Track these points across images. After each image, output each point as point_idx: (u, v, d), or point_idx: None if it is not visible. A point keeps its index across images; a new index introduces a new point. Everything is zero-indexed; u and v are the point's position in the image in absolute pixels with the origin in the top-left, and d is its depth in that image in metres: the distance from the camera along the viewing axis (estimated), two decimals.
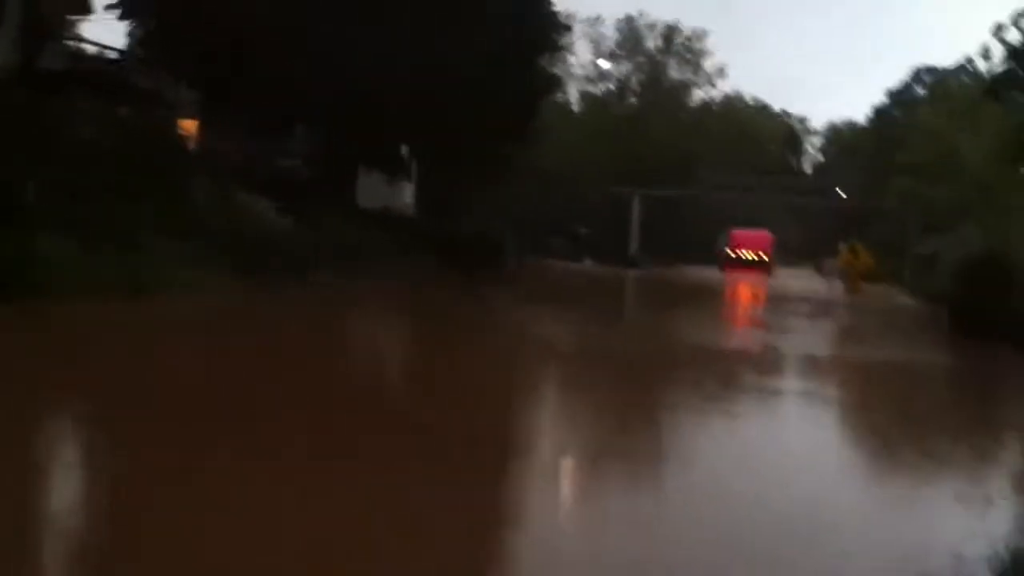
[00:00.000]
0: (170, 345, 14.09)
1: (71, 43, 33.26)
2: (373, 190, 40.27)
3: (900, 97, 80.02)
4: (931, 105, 62.67)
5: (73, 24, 37.68)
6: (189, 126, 34.70)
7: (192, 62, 28.76)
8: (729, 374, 16.04)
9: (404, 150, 38.59)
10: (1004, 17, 7.58)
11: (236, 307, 18.92)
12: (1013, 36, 7.34)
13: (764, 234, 70.49)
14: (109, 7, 29.92)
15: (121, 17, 30.18)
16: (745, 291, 44.43)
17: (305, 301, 21.57)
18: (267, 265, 22.02)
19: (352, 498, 6.78)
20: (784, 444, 10.62)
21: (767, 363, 18.57)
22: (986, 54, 8.26)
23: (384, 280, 28.08)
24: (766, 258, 67.45)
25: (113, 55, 33.24)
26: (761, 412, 12.74)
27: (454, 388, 12.17)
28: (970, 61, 12.83)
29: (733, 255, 67.66)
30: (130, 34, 34.30)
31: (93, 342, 13.04)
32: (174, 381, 10.98)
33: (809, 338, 24.11)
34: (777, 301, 38.19)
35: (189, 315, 17.26)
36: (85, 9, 34.24)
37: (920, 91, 77.00)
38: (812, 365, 18.87)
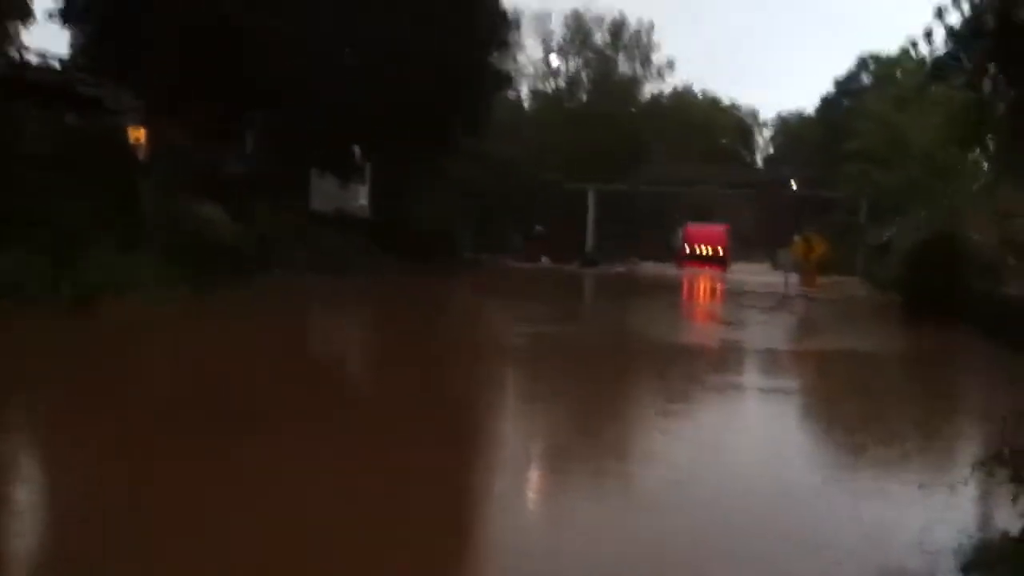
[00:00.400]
0: (111, 352, 13.88)
1: (13, 51, 32.60)
2: (327, 192, 40.04)
3: (847, 85, 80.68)
4: (876, 91, 63.24)
5: (14, 32, 36.98)
6: (137, 133, 34.23)
7: (137, 68, 28.32)
8: (689, 372, 16.06)
9: (356, 152, 38.38)
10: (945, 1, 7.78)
11: (181, 312, 18.78)
12: (954, 18, 7.53)
13: (719, 228, 69.26)
14: (51, 15, 29.43)
15: (63, 24, 29.68)
16: (701, 286, 44.59)
17: (249, 304, 21.44)
18: (216, 269, 21.87)
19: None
20: (747, 438, 10.63)
21: (725, 358, 18.62)
22: (928, 37, 8.47)
23: (336, 281, 27.96)
24: (722, 252, 65.83)
25: (56, 63, 32.67)
26: (721, 408, 12.75)
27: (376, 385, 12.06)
28: (914, 45, 13.06)
29: (688, 250, 65.83)
30: (73, 42, 33.79)
31: (28, 353, 12.81)
32: (119, 387, 10.79)
33: (767, 331, 24.21)
34: (733, 296, 38.37)
35: (134, 321, 17.03)
36: (26, 16, 33.60)
37: (866, 79, 77.69)
38: (772, 359, 18.93)
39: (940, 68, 6.78)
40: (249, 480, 7.44)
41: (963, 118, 7.48)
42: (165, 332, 16.64)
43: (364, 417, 10.46)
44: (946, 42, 6.81)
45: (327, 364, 14.58)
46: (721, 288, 42.87)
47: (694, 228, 68.02)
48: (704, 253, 65.04)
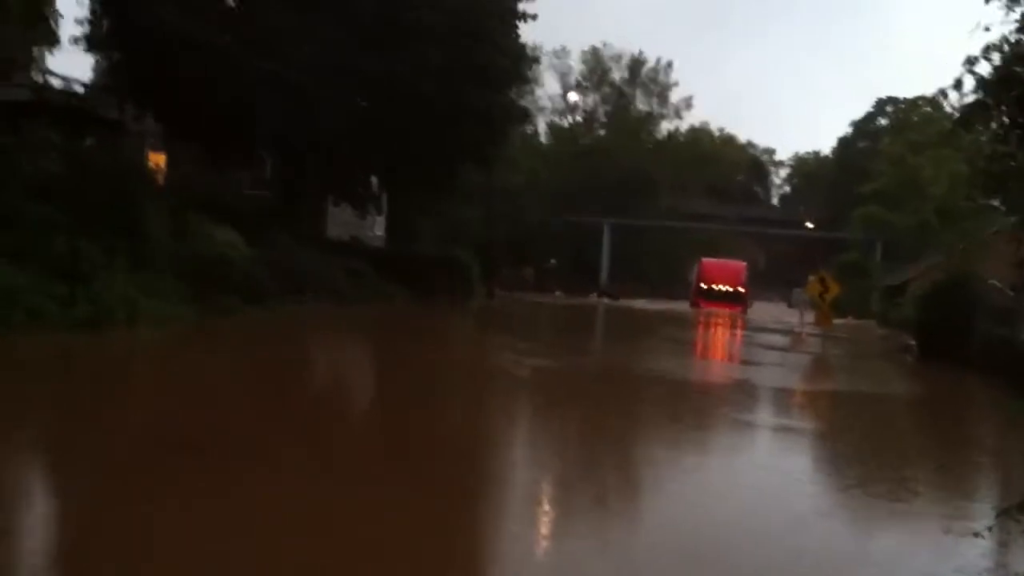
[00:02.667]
0: (122, 378, 13.88)
1: (37, 75, 32.98)
2: (343, 221, 40.24)
3: (864, 127, 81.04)
4: (893, 134, 63.44)
5: (39, 56, 37.39)
6: (157, 157, 34.52)
7: (158, 94, 28.58)
8: (709, 410, 15.97)
9: (374, 182, 38.57)
10: (972, 51, 7.83)
11: (190, 337, 18.83)
12: (984, 68, 7.56)
13: (738, 264, 63.63)
14: (75, 40, 29.73)
15: (87, 49, 29.99)
16: (718, 326, 43.80)
17: (262, 331, 21.44)
18: (229, 295, 21.98)
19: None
20: (760, 475, 10.52)
21: (740, 396, 18.50)
22: (958, 85, 8.47)
23: (348, 311, 27.98)
24: (742, 291, 60.04)
25: (79, 87, 33.02)
26: (737, 444, 12.65)
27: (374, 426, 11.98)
28: (943, 93, 13.07)
29: (705, 287, 60.20)
30: (96, 66, 34.16)
31: (39, 378, 12.79)
32: (128, 419, 10.77)
33: (781, 371, 24.07)
34: (748, 333, 38.24)
35: (147, 347, 17.09)
36: (51, 41, 33.97)
37: (883, 121, 78.00)
38: (784, 398, 18.82)
39: (969, 117, 6.75)
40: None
41: (989, 167, 7.45)
42: (171, 358, 16.65)
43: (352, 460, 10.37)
44: (976, 91, 6.81)
45: (329, 401, 14.39)
46: (736, 325, 42.59)
47: (710, 264, 62.75)
48: (721, 291, 59.45)
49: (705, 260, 62.87)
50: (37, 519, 7.01)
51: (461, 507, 8.07)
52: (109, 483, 7.84)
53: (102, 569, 5.78)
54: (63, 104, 29.50)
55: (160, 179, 31.72)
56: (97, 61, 34.24)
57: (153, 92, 28.78)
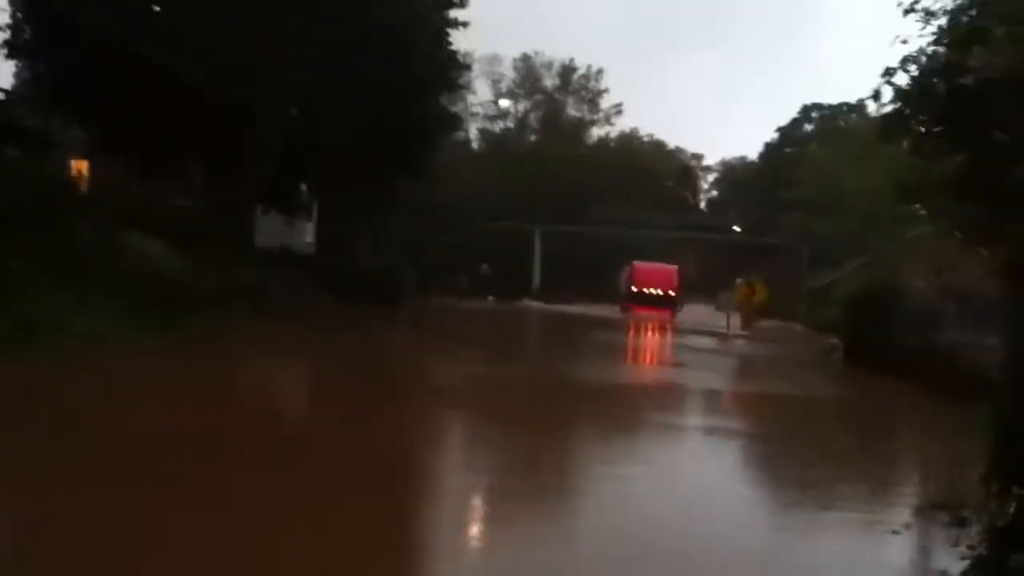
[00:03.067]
0: (52, 399, 13.62)
1: None
2: (272, 229, 39.82)
3: (790, 133, 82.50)
4: (819, 142, 64.70)
5: None
6: (81, 166, 33.88)
7: (82, 102, 28.07)
8: (634, 410, 16.17)
9: (303, 189, 38.29)
10: (892, 61, 8.03)
11: (125, 355, 18.41)
12: (901, 79, 7.74)
13: (669, 268, 63.04)
14: None
15: (8, 56, 29.36)
16: (648, 327, 44.55)
17: (196, 344, 21.10)
18: (160, 308, 21.47)
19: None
20: (684, 475, 10.72)
21: (670, 398, 18.78)
22: (876, 96, 8.69)
23: (279, 320, 27.71)
24: (672, 294, 59.83)
25: (0, 95, 32.31)
26: (663, 445, 12.86)
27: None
28: (861, 101, 13.38)
29: (635, 291, 59.67)
30: (17, 74, 33.45)
31: None
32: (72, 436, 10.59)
33: (710, 374, 24.44)
34: (676, 335, 38.72)
35: (74, 365, 16.74)
36: None
37: (808, 127, 79.50)
38: (713, 400, 19.14)
39: (888, 128, 6.97)
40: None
41: (907, 178, 7.71)
42: (104, 377, 16.35)
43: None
44: (894, 101, 7.05)
45: (258, 416, 14.27)
46: (666, 329, 43.05)
47: (642, 267, 61.99)
48: (652, 295, 58.92)
49: (637, 263, 62.16)
50: None
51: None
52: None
53: None
54: None
55: (84, 187, 31.15)
56: (18, 68, 33.51)
57: (79, 101, 28.26)
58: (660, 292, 58.91)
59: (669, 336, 38.67)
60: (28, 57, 29.83)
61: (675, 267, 63.57)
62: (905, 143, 7.62)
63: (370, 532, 7.48)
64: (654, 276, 60.69)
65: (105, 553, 6.37)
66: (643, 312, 55.34)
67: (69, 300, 18.40)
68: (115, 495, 7.76)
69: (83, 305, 18.63)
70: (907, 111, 7.30)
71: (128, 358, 17.99)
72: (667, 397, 18.97)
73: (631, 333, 40.23)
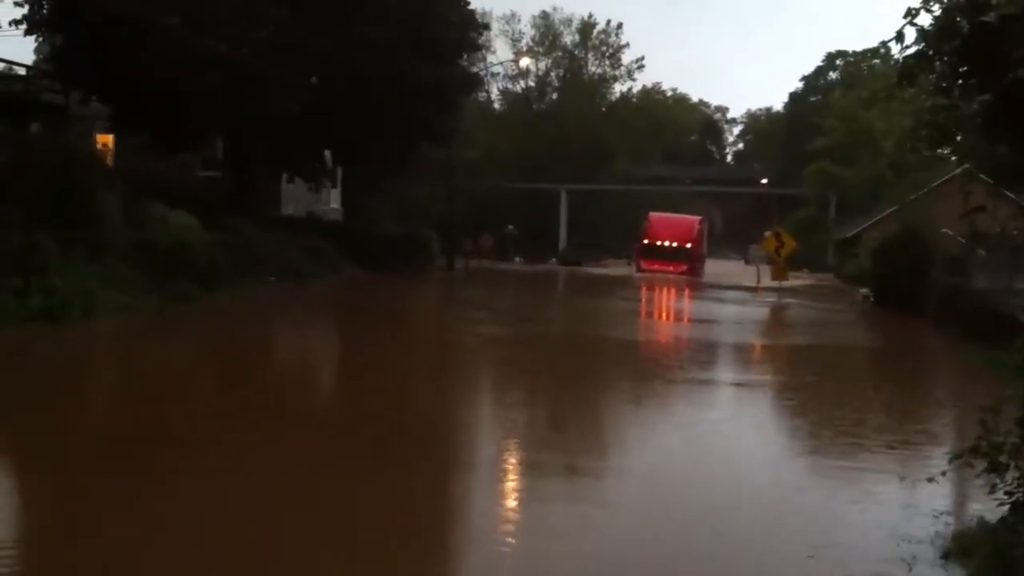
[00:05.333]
0: (84, 372, 13.80)
1: None
2: (298, 197, 39.92)
3: (814, 82, 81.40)
4: (844, 88, 63.78)
5: None
6: (106, 140, 33.98)
7: (102, 77, 28.07)
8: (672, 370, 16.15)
9: (327, 156, 38.27)
10: (915, 2, 7.83)
11: (153, 327, 18.62)
12: (925, 19, 7.62)
13: (689, 219, 55.39)
14: (14, 22, 29.06)
15: (27, 32, 29.34)
16: (670, 287, 41.51)
17: (223, 318, 21.27)
18: (185, 279, 21.67)
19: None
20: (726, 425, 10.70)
21: (702, 352, 18.72)
22: (900, 38, 8.52)
23: (308, 289, 27.86)
24: (690, 247, 51.67)
25: (21, 71, 32.37)
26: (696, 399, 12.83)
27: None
28: (884, 45, 13.11)
29: (648, 244, 51.59)
30: (38, 49, 33.46)
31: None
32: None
33: (742, 328, 24.37)
34: (704, 291, 38.54)
35: (106, 338, 16.93)
36: None
37: (833, 76, 78.39)
38: (746, 353, 19.09)
39: (910, 70, 6.85)
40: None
41: (932, 120, 7.60)
42: (132, 349, 16.54)
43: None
44: (917, 43, 6.91)
45: (293, 384, 14.38)
46: (690, 286, 42.30)
47: (657, 218, 54.25)
48: (667, 248, 50.72)
49: (652, 214, 55.04)
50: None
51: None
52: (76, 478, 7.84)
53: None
54: (5, 90, 28.96)
55: (109, 161, 31.26)
56: (39, 43, 33.55)
57: (98, 74, 28.25)
58: (676, 245, 50.91)
59: (695, 292, 38.40)
60: (47, 32, 29.82)
61: (698, 218, 56.45)
62: (928, 85, 7.49)
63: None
64: (670, 228, 52.91)
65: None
66: (656, 268, 48.79)
67: (97, 273, 18.57)
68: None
69: (110, 278, 18.83)
70: (930, 51, 7.15)
71: (155, 329, 18.20)
72: (702, 350, 18.91)
73: (656, 292, 39.90)
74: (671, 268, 48.34)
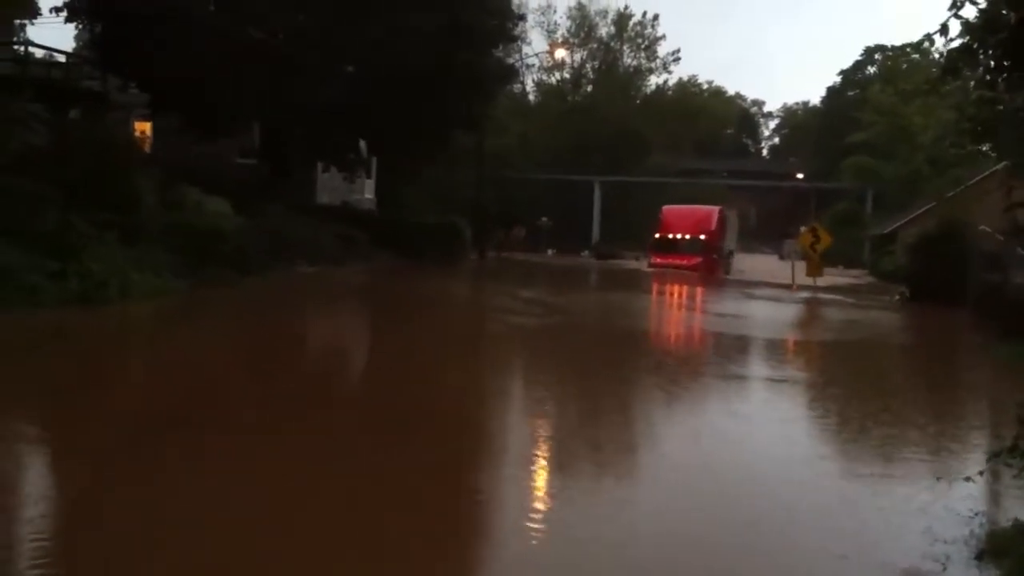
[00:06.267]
0: (121, 354, 13.92)
1: (18, 47, 32.69)
2: (333, 186, 40.12)
3: (852, 76, 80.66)
4: (882, 83, 63.11)
5: (19, 27, 37.07)
6: (142, 126, 34.31)
7: (141, 64, 28.32)
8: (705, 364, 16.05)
9: (362, 146, 38.43)
10: None
11: (186, 310, 18.83)
12: (970, 12, 7.48)
13: (705, 210, 50.21)
14: (55, 10, 29.39)
15: (67, 19, 29.66)
16: (693, 283, 37.85)
17: (256, 303, 21.43)
18: (219, 264, 21.92)
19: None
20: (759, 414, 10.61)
21: (735, 347, 18.61)
22: (944, 31, 8.41)
23: (341, 277, 27.97)
24: (708, 241, 46.21)
25: (61, 58, 32.74)
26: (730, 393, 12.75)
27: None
28: (928, 38, 12.95)
29: (660, 238, 47.30)
30: (78, 36, 33.81)
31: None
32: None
33: (782, 322, 24.17)
34: (742, 286, 38.29)
35: (141, 321, 17.12)
36: (31, 12, 33.65)
37: (872, 70, 77.63)
38: (791, 347, 18.94)
39: (955, 63, 6.72)
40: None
41: (977, 113, 7.48)
42: (165, 328, 16.75)
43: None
44: (961, 36, 6.78)
45: (324, 368, 14.48)
46: (715, 283, 41.15)
47: (671, 211, 50.02)
48: (680, 241, 46.06)
49: (667, 207, 50.98)
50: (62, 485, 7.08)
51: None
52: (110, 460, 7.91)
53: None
54: (45, 76, 29.27)
55: (146, 148, 31.56)
56: (78, 30, 33.91)
57: (136, 62, 28.51)
58: (688, 237, 46.01)
59: (728, 290, 38.08)
60: (86, 20, 30.11)
61: (715, 208, 50.97)
62: (972, 79, 7.36)
63: None
64: (683, 218, 48.09)
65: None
66: (664, 263, 44.35)
67: (132, 257, 18.80)
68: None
69: (145, 262, 19.05)
70: (975, 45, 7.02)
71: (188, 313, 18.38)
72: (735, 345, 18.79)
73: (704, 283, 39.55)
74: (682, 262, 43.48)
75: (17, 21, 35.36)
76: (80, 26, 31.88)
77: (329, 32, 30.79)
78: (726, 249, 49.57)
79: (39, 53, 33.25)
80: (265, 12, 29.19)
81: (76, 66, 31.64)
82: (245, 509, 6.56)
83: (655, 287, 35.39)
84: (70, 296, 16.13)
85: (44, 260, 16.49)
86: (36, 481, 7.43)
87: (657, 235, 47.46)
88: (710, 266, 44.38)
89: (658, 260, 45.25)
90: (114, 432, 8.69)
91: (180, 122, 30.37)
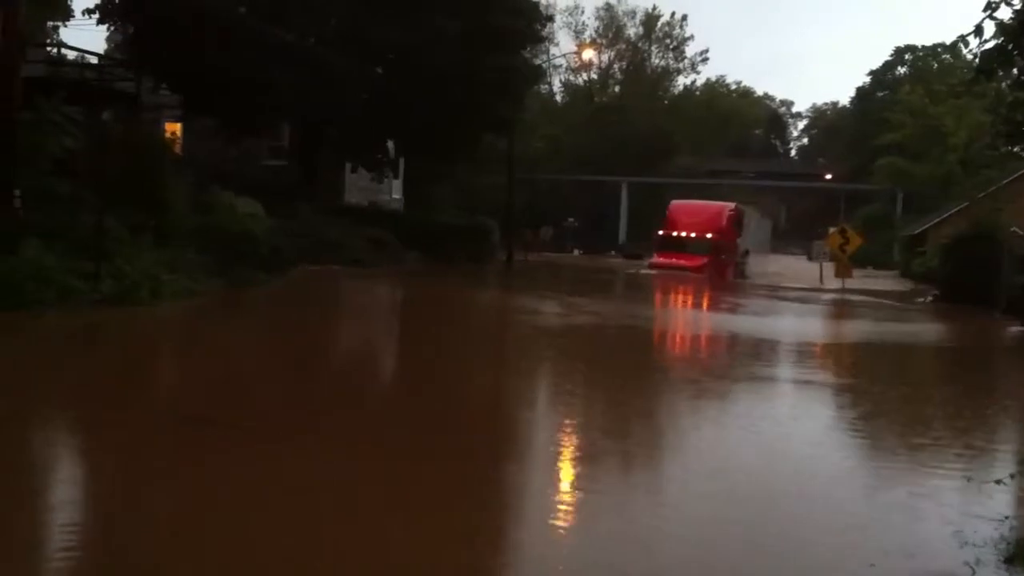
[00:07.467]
0: (153, 354, 14.06)
1: (51, 49, 33.06)
2: (362, 187, 40.26)
3: (882, 76, 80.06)
4: (913, 83, 62.62)
5: (52, 29, 37.46)
6: (174, 128, 34.60)
7: (173, 65, 28.58)
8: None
9: (390, 147, 38.55)
10: None
11: (218, 312, 19.00)
12: (1004, 13, 7.41)
13: (715, 206, 46.47)
14: (88, 12, 29.68)
15: (100, 22, 29.93)
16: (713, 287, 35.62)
17: (287, 301, 21.59)
18: (249, 264, 22.11)
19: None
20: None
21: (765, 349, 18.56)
22: (979, 31, 8.32)
23: (371, 278, 28.06)
24: (716, 240, 41.99)
25: (93, 60, 33.05)
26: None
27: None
28: (962, 38, 12.74)
29: (664, 236, 43.13)
30: (110, 38, 34.10)
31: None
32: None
33: (815, 322, 24.09)
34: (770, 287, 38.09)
35: (173, 322, 17.28)
36: (63, 14, 33.97)
37: (902, 70, 77.03)
38: (809, 353, 18.88)
39: (989, 64, 6.66)
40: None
41: (1011, 115, 7.41)
42: (198, 328, 16.90)
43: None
44: (995, 37, 6.75)
45: (345, 367, 14.55)
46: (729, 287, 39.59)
47: (678, 206, 45.68)
48: (685, 239, 41.86)
49: (675, 202, 46.74)
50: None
51: None
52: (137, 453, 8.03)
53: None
54: (78, 78, 29.55)
55: (177, 149, 31.82)
56: (111, 32, 34.21)
57: (168, 64, 28.77)
58: (694, 235, 41.73)
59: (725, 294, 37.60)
60: (119, 21, 30.40)
61: (726, 205, 46.88)
62: (1007, 81, 7.34)
63: None
64: (690, 215, 43.87)
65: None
66: (665, 263, 40.59)
67: (164, 258, 19.02)
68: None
69: (177, 263, 19.26)
70: (1010, 46, 6.99)
71: (220, 314, 18.55)
72: (765, 347, 18.75)
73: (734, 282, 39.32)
74: (684, 262, 39.42)
75: (50, 23, 35.70)
76: (112, 28, 32.18)
77: (359, 35, 31.01)
78: (741, 249, 46.26)
79: (71, 55, 33.60)
80: (296, 15, 29.42)
81: (109, 68, 31.93)
82: (279, 505, 6.64)
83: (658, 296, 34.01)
84: (103, 297, 16.33)
85: (79, 262, 16.71)
86: (75, 473, 7.56)
87: (661, 232, 43.43)
88: (718, 268, 41.04)
89: (659, 260, 41.44)
90: (151, 427, 8.80)
91: (211, 123, 30.62)
